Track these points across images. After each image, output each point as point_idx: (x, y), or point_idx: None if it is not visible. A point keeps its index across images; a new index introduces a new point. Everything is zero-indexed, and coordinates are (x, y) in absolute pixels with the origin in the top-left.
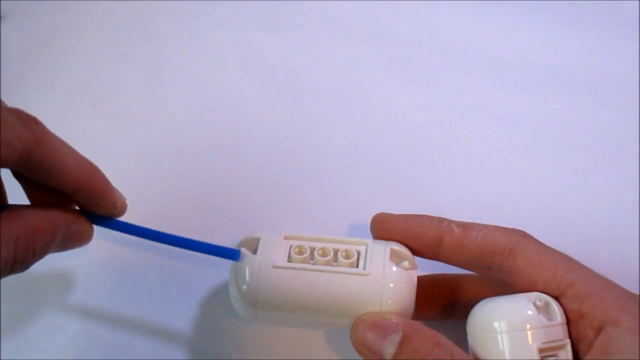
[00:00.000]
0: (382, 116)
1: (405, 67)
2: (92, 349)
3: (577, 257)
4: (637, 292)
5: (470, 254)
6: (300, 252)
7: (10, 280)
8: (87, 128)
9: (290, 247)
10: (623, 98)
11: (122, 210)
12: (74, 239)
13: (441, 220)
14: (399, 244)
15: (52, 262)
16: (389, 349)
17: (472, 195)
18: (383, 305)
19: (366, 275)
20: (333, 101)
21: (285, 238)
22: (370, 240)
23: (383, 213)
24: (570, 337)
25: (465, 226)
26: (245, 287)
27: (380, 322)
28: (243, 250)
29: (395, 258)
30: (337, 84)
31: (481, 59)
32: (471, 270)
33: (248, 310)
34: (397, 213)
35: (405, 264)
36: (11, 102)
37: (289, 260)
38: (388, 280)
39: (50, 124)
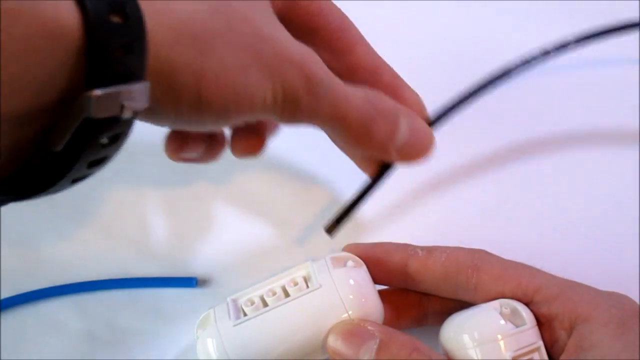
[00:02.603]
0: None
1: (405, 67)
2: (91, 350)
3: (576, 258)
4: (638, 292)
5: (436, 274)
6: (252, 303)
7: (10, 280)
8: None
9: (241, 304)
10: (623, 98)
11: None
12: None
13: (406, 245)
14: (339, 252)
15: (51, 262)
16: (366, 357)
17: (472, 195)
18: (349, 309)
19: (318, 288)
20: None
21: (233, 300)
22: (309, 260)
23: (351, 244)
24: (544, 340)
25: (429, 249)
26: (216, 358)
27: (355, 330)
28: (199, 331)
29: (338, 263)
30: None
31: (481, 59)
32: (439, 294)
33: None
34: (366, 243)
35: (350, 263)
36: None
37: (245, 315)
38: (341, 283)
39: None
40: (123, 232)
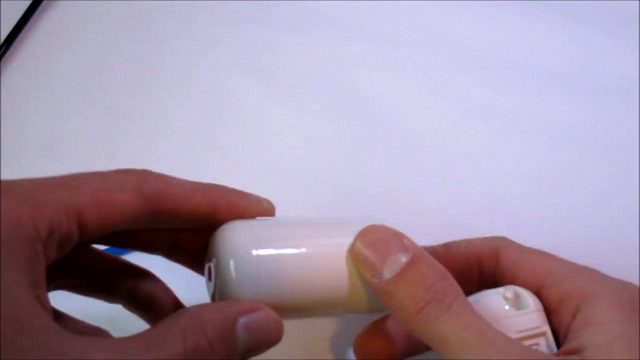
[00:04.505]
0: (381, 117)
1: (405, 67)
2: None
3: (576, 257)
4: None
5: (458, 265)
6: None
7: None
8: (87, 128)
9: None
10: (623, 98)
11: (270, 207)
12: (259, 333)
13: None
14: None
15: None
16: (391, 268)
17: (472, 195)
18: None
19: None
20: (333, 101)
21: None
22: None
23: None
24: (552, 325)
25: (445, 244)
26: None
27: (388, 237)
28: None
29: None
30: (337, 84)
31: (481, 59)
32: (465, 284)
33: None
34: None
35: None
36: (11, 102)
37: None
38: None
39: (49, 124)
40: None
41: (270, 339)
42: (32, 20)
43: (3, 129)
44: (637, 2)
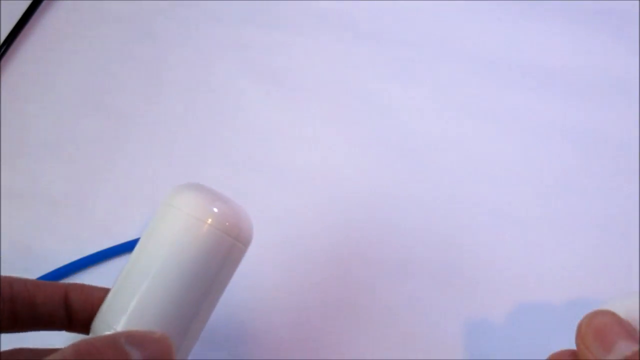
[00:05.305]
0: (383, 116)
1: (406, 67)
2: None
3: (575, 257)
4: (637, 292)
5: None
6: None
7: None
8: (87, 128)
9: None
10: (623, 98)
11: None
12: (147, 349)
13: None
14: None
15: (49, 259)
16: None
17: (472, 196)
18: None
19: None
20: (335, 101)
21: None
22: None
23: None
24: None
25: None
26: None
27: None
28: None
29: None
30: (338, 84)
31: (481, 59)
32: None
33: None
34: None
35: None
36: (12, 102)
37: None
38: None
39: (49, 124)
40: (122, 231)
41: (161, 353)
42: (32, 20)
43: (3, 129)
44: (637, 2)
